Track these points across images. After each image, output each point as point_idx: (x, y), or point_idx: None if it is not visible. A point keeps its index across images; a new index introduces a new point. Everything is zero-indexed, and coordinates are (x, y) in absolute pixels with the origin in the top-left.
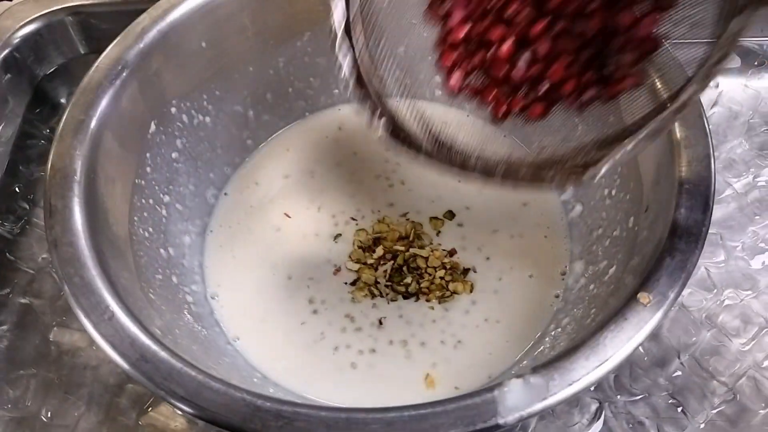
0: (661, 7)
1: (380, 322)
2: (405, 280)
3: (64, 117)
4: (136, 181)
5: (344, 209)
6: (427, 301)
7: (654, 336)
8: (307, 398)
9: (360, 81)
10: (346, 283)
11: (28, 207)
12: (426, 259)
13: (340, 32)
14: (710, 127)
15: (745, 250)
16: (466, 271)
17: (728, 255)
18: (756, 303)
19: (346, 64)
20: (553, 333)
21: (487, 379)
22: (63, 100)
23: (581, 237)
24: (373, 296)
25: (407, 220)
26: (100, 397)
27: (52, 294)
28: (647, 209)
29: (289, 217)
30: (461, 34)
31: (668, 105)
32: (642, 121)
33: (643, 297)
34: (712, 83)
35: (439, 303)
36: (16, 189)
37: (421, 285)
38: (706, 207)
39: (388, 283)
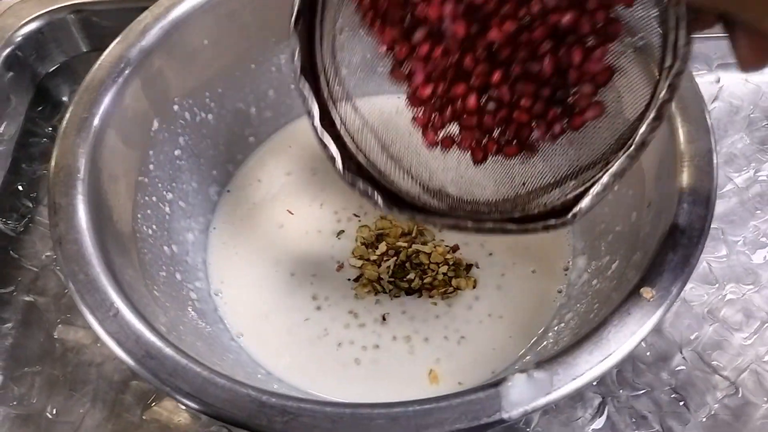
0: (606, 39)
1: (383, 318)
2: (408, 276)
3: (67, 115)
4: (139, 178)
5: (346, 206)
6: (430, 297)
7: (656, 331)
8: (311, 394)
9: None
10: (349, 280)
11: (31, 205)
12: (429, 255)
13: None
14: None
15: (747, 245)
16: (468, 267)
17: (730, 250)
18: (758, 297)
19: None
20: (556, 328)
21: (491, 375)
22: (65, 98)
23: (584, 232)
24: (376, 292)
25: None
26: (105, 394)
27: (56, 291)
28: (649, 204)
29: (292, 213)
30: (426, 92)
31: (629, 142)
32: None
33: (646, 292)
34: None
35: (442, 299)
36: (19, 187)
37: (424, 281)
38: (708, 202)
39: (391, 280)
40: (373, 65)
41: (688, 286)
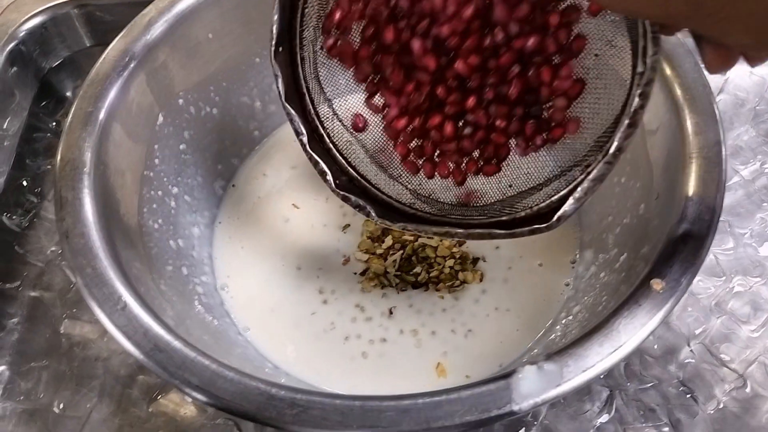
0: (571, 55)
1: (390, 312)
2: (414, 270)
3: (73, 109)
4: (145, 172)
5: None
6: (437, 290)
7: (664, 324)
8: (319, 388)
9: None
10: (355, 273)
11: (36, 200)
12: (435, 248)
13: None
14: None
15: (754, 237)
16: (475, 260)
17: (737, 242)
18: (765, 289)
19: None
20: (563, 321)
21: (498, 368)
22: (68, 93)
23: (591, 225)
24: (383, 286)
25: None
26: (112, 388)
27: (62, 287)
28: (658, 197)
29: (298, 208)
30: (401, 124)
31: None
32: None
33: (656, 283)
34: None
35: (449, 292)
36: (24, 182)
37: (431, 275)
38: (717, 193)
39: (398, 273)
40: (356, 84)
41: (695, 279)
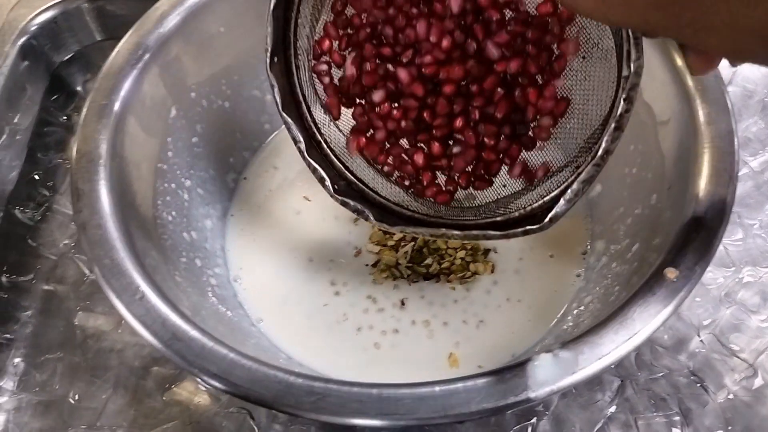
0: (553, 75)
1: (402, 303)
2: (426, 262)
3: (88, 101)
4: (159, 165)
5: None
6: (449, 281)
7: (674, 314)
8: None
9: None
10: (367, 265)
11: (48, 194)
12: (446, 240)
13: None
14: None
15: (763, 228)
16: (486, 251)
17: (746, 233)
18: None
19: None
20: (575, 311)
21: (511, 358)
22: (79, 88)
23: (602, 216)
24: (395, 278)
25: None
26: (126, 379)
27: (75, 279)
28: (670, 187)
29: (309, 200)
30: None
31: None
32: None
33: (670, 272)
34: None
35: (461, 284)
36: (36, 176)
37: (442, 266)
38: (730, 183)
39: (409, 265)
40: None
41: None
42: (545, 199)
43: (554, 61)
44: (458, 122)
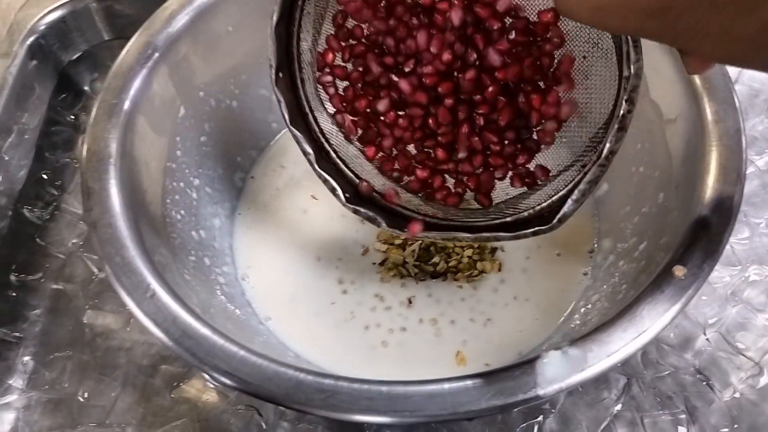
0: (557, 81)
1: (410, 302)
2: (433, 260)
3: (98, 100)
4: (168, 164)
5: None
6: (456, 280)
7: (680, 313)
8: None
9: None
10: (374, 264)
11: (56, 193)
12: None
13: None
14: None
15: None
16: (493, 250)
17: (752, 231)
18: None
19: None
20: (582, 310)
21: (518, 356)
22: (86, 87)
23: (609, 215)
24: (402, 276)
25: None
26: (135, 377)
27: (84, 278)
28: (677, 186)
29: (316, 199)
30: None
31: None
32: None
33: (678, 270)
34: None
35: (468, 282)
36: (44, 176)
37: (449, 264)
38: (738, 181)
39: (417, 263)
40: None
41: None
42: (553, 198)
43: (557, 66)
44: (464, 129)
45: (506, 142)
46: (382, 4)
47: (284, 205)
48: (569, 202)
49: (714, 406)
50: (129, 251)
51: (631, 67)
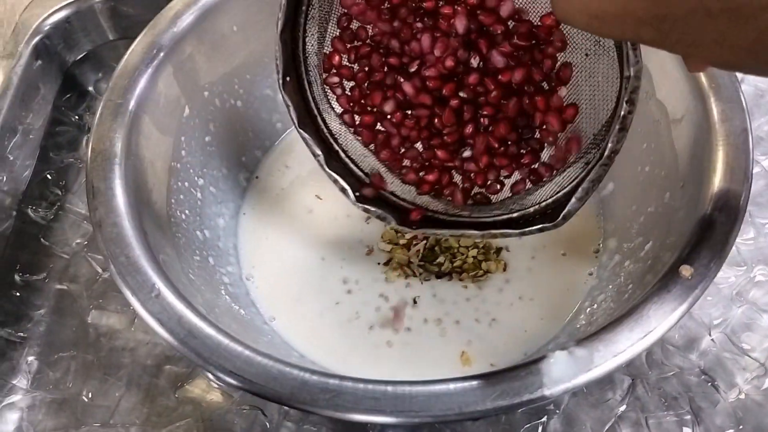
0: (561, 81)
1: (414, 302)
2: (438, 260)
3: (103, 100)
4: (173, 164)
5: None
6: (461, 280)
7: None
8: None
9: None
10: (379, 264)
11: (60, 193)
12: (458, 238)
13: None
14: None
15: None
16: (498, 250)
17: (758, 232)
18: None
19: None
20: (588, 310)
21: (523, 356)
22: (91, 88)
23: (614, 214)
24: (407, 276)
25: None
26: (139, 378)
27: (88, 278)
28: (684, 185)
29: (321, 199)
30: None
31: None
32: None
33: (685, 269)
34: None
35: (473, 282)
36: (48, 176)
37: (454, 264)
38: (745, 180)
39: (421, 263)
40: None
41: None
42: (559, 195)
43: (560, 70)
44: (468, 129)
45: (509, 143)
46: (385, 6)
47: (289, 205)
48: (573, 200)
49: (719, 407)
50: (134, 251)
51: (631, 69)
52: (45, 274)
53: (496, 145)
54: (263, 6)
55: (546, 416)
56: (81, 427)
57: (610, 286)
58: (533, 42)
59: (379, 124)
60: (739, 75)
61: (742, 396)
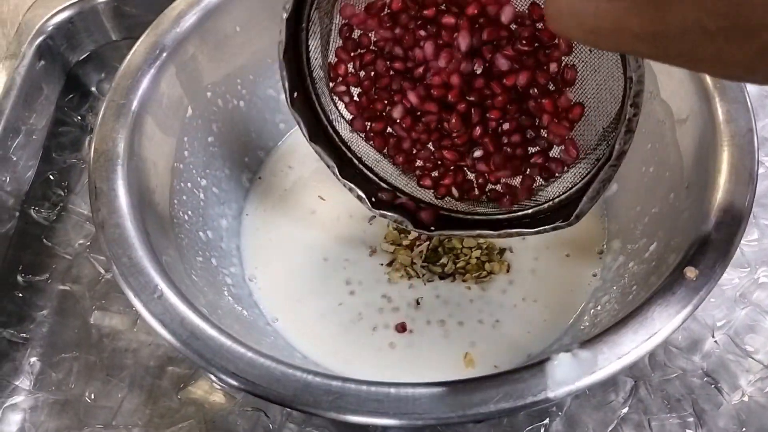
0: (566, 83)
1: (417, 303)
2: (441, 261)
3: (106, 101)
4: (175, 164)
5: None
6: (464, 281)
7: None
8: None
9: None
10: (382, 264)
11: (63, 193)
12: (461, 239)
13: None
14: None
15: None
16: (502, 251)
17: (762, 233)
18: None
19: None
20: (592, 311)
21: (527, 358)
22: (94, 88)
23: (618, 215)
24: (410, 277)
25: None
26: (142, 379)
27: (91, 279)
28: (688, 186)
29: (324, 200)
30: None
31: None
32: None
33: (690, 271)
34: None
35: (476, 283)
36: (51, 176)
37: (458, 265)
38: (750, 181)
39: (424, 264)
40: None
41: None
42: (571, 191)
43: (564, 72)
44: (477, 131)
45: (517, 144)
46: (385, 13)
47: (292, 205)
48: (585, 199)
49: (722, 409)
50: (136, 252)
51: (633, 75)
52: (47, 274)
53: (506, 146)
54: (266, 6)
55: (548, 418)
56: (83, 429)
57: (614, 288)
58: (536, 45)
59: (389, 128)
60: None
61: (746, 398)
